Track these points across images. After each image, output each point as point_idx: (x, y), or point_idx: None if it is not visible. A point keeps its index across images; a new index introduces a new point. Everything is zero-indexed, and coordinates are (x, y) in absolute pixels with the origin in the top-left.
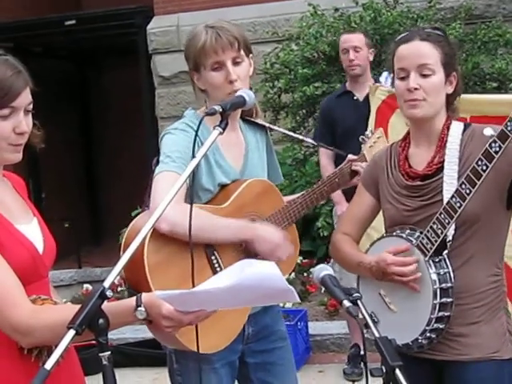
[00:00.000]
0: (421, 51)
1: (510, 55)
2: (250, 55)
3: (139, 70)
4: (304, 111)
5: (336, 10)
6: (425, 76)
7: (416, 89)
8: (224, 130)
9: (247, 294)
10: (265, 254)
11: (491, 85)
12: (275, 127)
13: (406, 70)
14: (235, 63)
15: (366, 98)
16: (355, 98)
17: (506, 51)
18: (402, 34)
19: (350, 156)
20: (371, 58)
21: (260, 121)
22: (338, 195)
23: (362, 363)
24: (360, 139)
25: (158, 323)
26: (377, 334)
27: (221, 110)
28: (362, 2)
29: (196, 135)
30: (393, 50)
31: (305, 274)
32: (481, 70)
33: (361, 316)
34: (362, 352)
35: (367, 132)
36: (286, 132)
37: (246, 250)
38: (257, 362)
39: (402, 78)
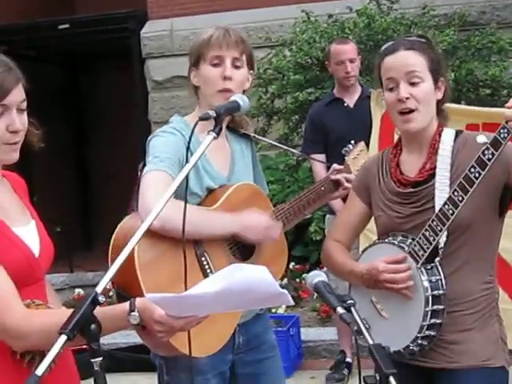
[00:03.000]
0: (407, 60)
1: (503, 62)
2: (251, 71)
3: (133, 75)
4: (297, 117)
5: (330, 16)
6: (414, 84)
7: (407, 98)
8: (218, 134)
9: (238, 298)
10: (256, 240)
11: (484, 91)
12: (261, 138)
13: (394, 79)
14: (235, 66)
15: (357, 104)
16: (345, 104)
17: (500, 58)
18: (385, 46)
19: (335, 165)
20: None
21: (246, 131)
22: (338, 203)
23: (348, 369)
24: (343, 151)
25: (151, 328)
26: (371, 341)
27: (215, 114)
28: (356, 8)
29: (190, 140)
30: (378, 62)
31: (297, 280)
32: (474, 76)
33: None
34: (347, 359)
35: (349, 145)
36: (272, 142)
37: (238, 240)
38: (247, 373)
39: (391, 89)
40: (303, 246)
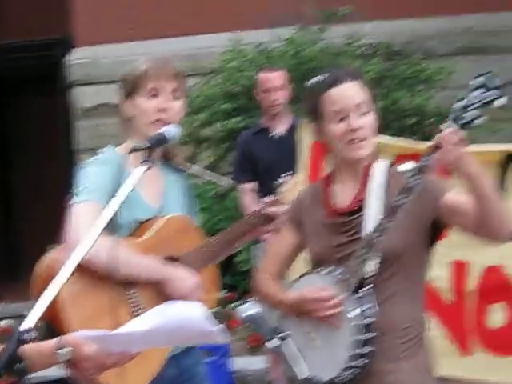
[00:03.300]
0: (354, 91)
1: (428, 92)
2: (184, 99)
3: (58, 102)
4: (225, 145)
5: (258, 45)
6: (363, 114)
7: (359, 128)
8: (151, 166)
9: (172, 335)
10: (179, 296)
11: (410, 121)
12: (193, 168)
13: (344, 111)
14: (172, 97)
15: (285, 133)
16: (274, 134)
17: (425, 88)
18: (320, 78)
19: (265, 199)
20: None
21: (178, 162)
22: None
23: None
24: (275, 183)
25: (80, 365)
26: (306, 373)
27: (146, 146)
28: (284, 38)
29: (121, 171)
30: (318, 94)
31: (227, 309)
32: (400, 105)
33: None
34: None
35: (283, 177)
36: (201, 174)
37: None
38: None
39: (340, 120)
40: (231, 275)
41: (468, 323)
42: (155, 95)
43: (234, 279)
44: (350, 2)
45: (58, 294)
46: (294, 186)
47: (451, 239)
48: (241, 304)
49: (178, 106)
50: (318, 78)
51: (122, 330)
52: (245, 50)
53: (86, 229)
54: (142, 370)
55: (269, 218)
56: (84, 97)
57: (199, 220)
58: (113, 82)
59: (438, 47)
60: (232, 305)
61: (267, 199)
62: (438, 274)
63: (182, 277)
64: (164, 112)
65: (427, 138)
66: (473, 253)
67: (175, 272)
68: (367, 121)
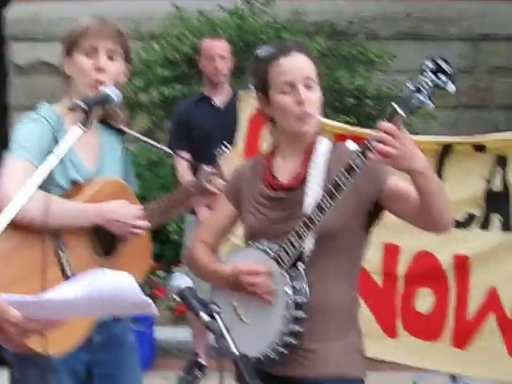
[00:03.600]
0: (304, 64)
1: (368, 73)
2: (127, 65)
3: None
4: (161, 112)
5: (200, 13)
6: (310, 88)
7: (307, 101)
8: (87, 127)
9: (100, 305)
10: (120, 234)
11: (350, 101)
12: (133, 132)
13: (291, 83)
14: (109, 58)
15: (226, 104)
16: (214, 103)
17: (366, 69)
18: (271, 47)
19: (205, 167)
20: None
21: (119, 125)
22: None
23: (200, 371)
24: (216, 152)
25: (4, 329)
26: (235, 351)
27: (84, 106)
28: (228, 8)
29: (58, 130)
30: (267, 63)
31: (153, 278)
32: (341, 85)
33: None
34: (199, 359)
35: (223, 147)
36: (145, 139)
37: (101, 232)
38: (104, 373)
39: (288, 92)
40: (160, 244)
41: (396, 306)
42: (92, 54)
43: (163, 247)
44: None
45: None
46: (233, 158)
47: (385, 221)
48: (170, 274)
49: (117, 67)
50: (266, 47)
51: (50, 296)
52: (188, 18)
53: (17, 186)
54: (67, 334)
55: (206, 190)
56: (20, 53)
57: (135, 185)
58: (52, 39)
59: (380, 30)
60: (160, 274)
61: (207, 168)
62: (369, 255)
63: (117, 216)
64: (102, 72)
65: (366, 119)
66: (406, 236)
67: (109, 214)
68: (314, 95)
